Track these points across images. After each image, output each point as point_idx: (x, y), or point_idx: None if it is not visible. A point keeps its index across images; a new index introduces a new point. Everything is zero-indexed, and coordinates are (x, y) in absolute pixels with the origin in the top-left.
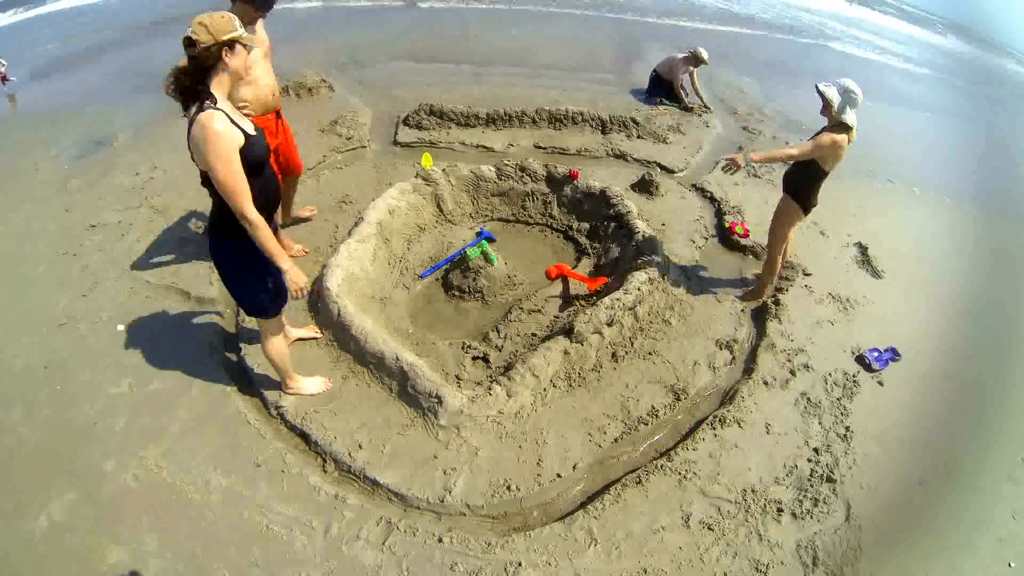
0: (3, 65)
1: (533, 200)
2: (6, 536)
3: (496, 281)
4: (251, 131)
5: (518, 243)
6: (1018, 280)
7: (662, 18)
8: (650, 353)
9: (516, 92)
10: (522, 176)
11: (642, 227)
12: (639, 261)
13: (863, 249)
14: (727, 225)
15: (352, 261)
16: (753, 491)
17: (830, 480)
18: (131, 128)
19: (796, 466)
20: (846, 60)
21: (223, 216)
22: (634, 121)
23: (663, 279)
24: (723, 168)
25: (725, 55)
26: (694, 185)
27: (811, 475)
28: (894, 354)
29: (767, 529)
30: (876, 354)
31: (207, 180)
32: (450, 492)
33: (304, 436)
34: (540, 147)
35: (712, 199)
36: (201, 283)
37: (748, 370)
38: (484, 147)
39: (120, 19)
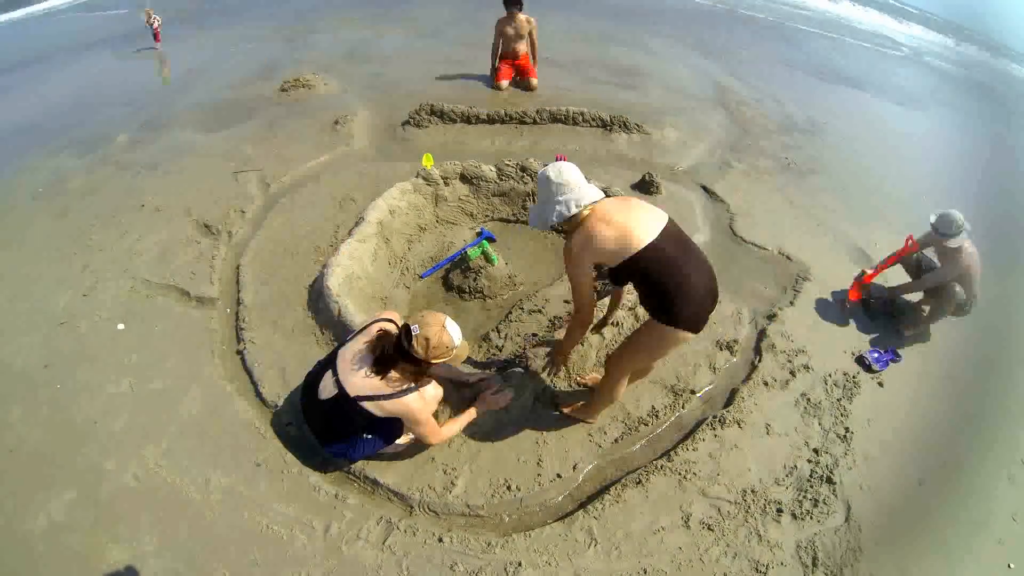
0: (156, 20)
1: (534, 200)
2: (6, 536)
3: (497, 281)
4: None
5: (519, 243)
6: (1018, 282)
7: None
8: None
9: (517, 90)
10: (523, 176)
11: None
12: None
13: (863, 250)
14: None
15: (353, 261)
16: (753, 492)
17: (830, 481)
18: (132, 128)
19: (796, 467)
20: (845, 57)
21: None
22: (637, 125)
23: None
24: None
25: (723, 51)
26: (700, 185)
27: (811, 476)
28: (894, 355)
29: (767, 530)
30: (876, 355)
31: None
32: (450, 492)
33: (304, 436)
34: (541, 147)
35: (713, 199)
36: (201, 283)
37: (748, 371)
38: (485, 147)
39: (121, 16)
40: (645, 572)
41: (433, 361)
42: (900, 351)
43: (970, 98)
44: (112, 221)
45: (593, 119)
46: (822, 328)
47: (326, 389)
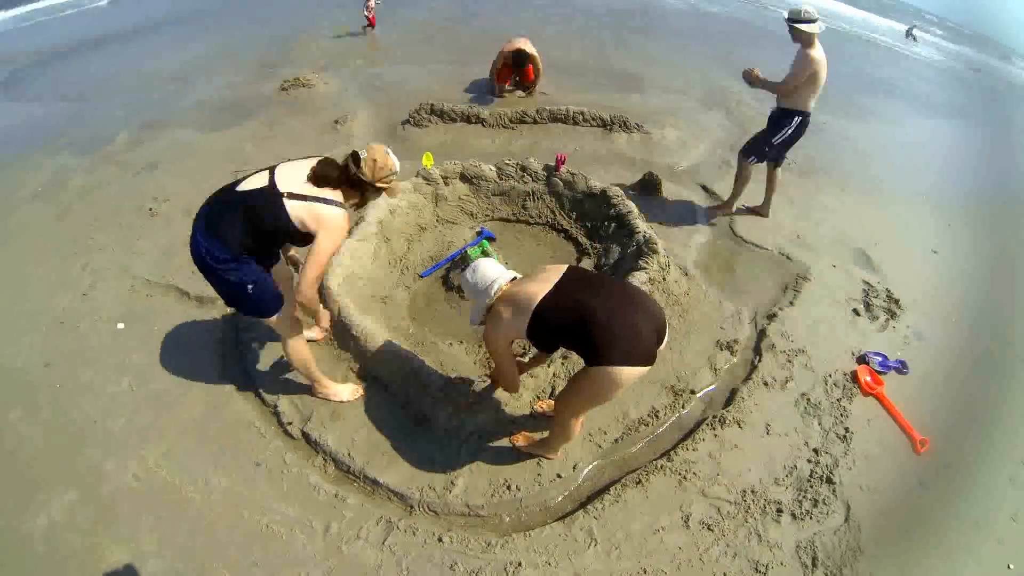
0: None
1: (534, 200)
2: (6, 536)
3: None
4: None
5: (518, 243)
6: (1018, 283)
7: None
8: None
9: (517, 91)
10: (522, 175)
11: (643, 227)
12: (640, 262)
13: (863, 251)
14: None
15: (353, 260)
16: (753, 492)
17: (829, 481)
18: (133, 127)
19: (796, 467)
20: (845, 57)
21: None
22: (637, 124)
23: (663, 279)
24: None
25: (723, 51)
26: (700, 185)
27: (811, 476)
28: (901, 366)
29: (767, 530)
30: (881, 358)
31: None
32: (450, 492)
33: (304, 436)
34: (541, 146)
35: (713, 198)
36: (201, 283)
37: (748, 371)
38: (485, 146)
39: (125, 18)
40: (645, 572)
41: (378, 184)
42: (908, 364)
43: (971, 99)
44: (112, 221)
45: (593, 119)
46: (822, 328)
47: (252, 182)
